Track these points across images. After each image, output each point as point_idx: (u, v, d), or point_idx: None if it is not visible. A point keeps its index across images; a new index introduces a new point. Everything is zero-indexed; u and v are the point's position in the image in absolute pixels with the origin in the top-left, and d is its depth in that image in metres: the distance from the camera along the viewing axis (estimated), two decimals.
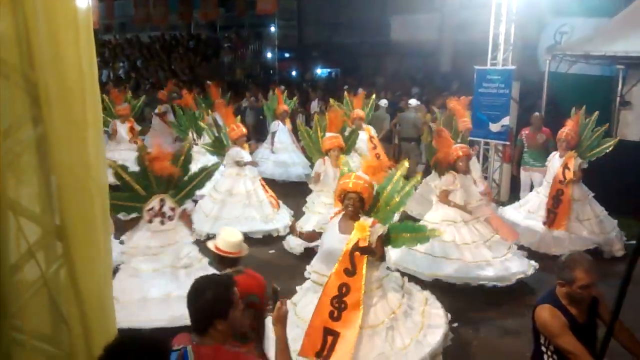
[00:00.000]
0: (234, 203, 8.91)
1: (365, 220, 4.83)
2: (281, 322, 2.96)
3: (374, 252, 4.75)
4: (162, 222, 6.00)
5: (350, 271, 4.65)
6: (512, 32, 10.70)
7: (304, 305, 5.13)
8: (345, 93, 12.15)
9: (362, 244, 4.65)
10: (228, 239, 3.90)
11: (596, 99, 11.01)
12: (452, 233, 6.91)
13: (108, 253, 3.01)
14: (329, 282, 4.70)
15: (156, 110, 14.59)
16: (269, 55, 26.52)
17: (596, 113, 8.29)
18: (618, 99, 11.49)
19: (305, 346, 4.60)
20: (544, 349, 3.60)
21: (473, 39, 13.07)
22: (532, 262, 7.03)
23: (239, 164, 8.99)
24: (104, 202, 2.92)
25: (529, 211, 8.51)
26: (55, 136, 2.68)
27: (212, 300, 2.71)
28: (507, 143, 10.52)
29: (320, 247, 5.20)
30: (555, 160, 8.30)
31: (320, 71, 25.52)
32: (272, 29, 25.98)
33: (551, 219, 7.93)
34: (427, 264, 6.84)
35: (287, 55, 26.55)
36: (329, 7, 24.45)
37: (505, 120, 10.15)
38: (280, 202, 9.44)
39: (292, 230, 5.43)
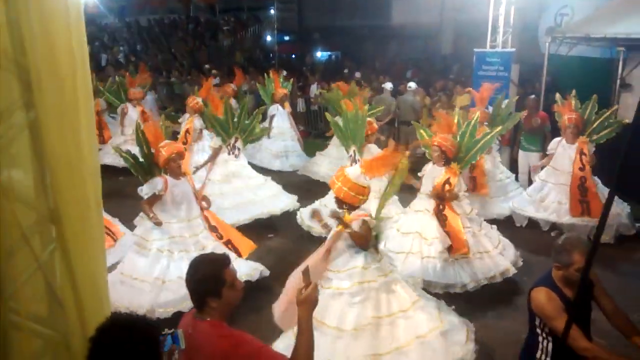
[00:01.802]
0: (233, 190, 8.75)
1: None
2: (305, 304, 2.82)
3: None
4: None
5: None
6: (511, 14, 10.68)
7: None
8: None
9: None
10: None
11: (596, 81, 10.96)
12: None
13: (101, 235, 3.04)
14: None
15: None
16: (269, 38, 26.39)
17: (595, 96, 8.24)
18: (618, 81, 11.42)
19: None
20: (539, 330, 3.64)
21: (474, 20, 13.00)
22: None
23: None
24: (97, 185, 2.95)
25: (541, 201, 8.37)
26: (47, 121, 2.69)
27: (202, 279, 2.79)
28: None
29: None
30: (562, 148, 8.17)
31: (320, 54, 25.40)
32: (272, 11, 25.83)
33: (584, 209, 7.74)
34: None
35: (286, 38, 26.43)
36: None
37: (505, 103, 10.12)
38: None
39: (314, 215, 5.31)
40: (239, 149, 8.74)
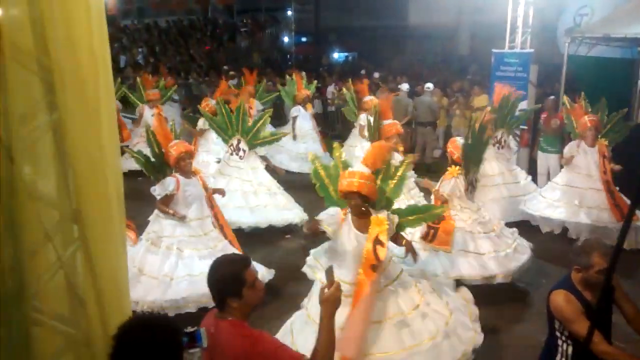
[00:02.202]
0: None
1: (380, 213, 4.68)
2: (328, 303, 2.80)
3: (398, 242, 4.89)
4: None
5: (377, 266, 4.48)
6: (530, 15, 10.61)
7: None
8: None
9: (382, 237, 4.49)
10: None
11: (616, 82, 10.86)
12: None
13: (123, 235, 3.05)
14: (364, 292, 4.44)
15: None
16: (286, 39, 26.44)
17: (603, 99, 8.14)
18: (639, 82, 11.28)
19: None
20: (558, 334, 3.61)
21: (491, 21, 12.93)
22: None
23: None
24: (119, 185, 2.97)
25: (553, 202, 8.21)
26: (70, 121, 2.72)
27: (222, 279, 2.81)
28: (525, 127, 10.43)
29: (333, 252, 4.90)
30: (583, 151, 8.01)
31: (337, 55, 25.40)
32: (289, 12, 25.87)
33: (621, 212, 7.54)
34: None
35: (303, 39, 26.45)
36: None
37: (523, 105, 10.04)
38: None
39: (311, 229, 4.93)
40: (244, 151, 8.59)
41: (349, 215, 4.74)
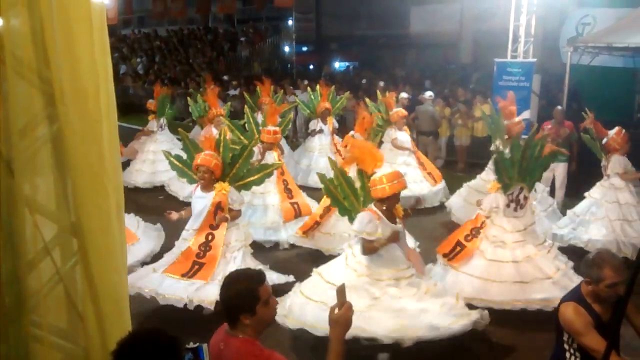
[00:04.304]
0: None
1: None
2: (338, 324, 2.68)
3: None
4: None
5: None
6: (532, 24, 10.61)
7: None
8: (378, 92, 11.35)
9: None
10: None
11: (619, 91, 10.86)
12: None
13: (123, 249, 3.01)
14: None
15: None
16: (287, 49, 26.45)
17: None
18: None
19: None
20: (566, 346, 3.57)
21: (494, 30, 12.96)
22: None
23: None
24: (119, 198, 2.93)
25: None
26: (70, 134, 2.69)
27: (236, 295, 2.72)
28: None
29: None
30: (616, 163, 7.75)
31: (338, 65, 25.41)
32: (290, 22, 25.90)
33: None
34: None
35: (304, 48, 26.46)
36: None
37: (526, 114, 10.03)
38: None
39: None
40: None
41: (379, 214, 5.16)
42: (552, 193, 9.28)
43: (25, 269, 2.73)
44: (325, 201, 7.16)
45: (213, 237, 6.14)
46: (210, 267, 6.00)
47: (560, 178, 9.31)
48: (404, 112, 10.04)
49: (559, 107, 9.58)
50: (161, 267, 6.06)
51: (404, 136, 10.04)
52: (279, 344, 4.96)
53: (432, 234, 8.36)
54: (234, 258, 6.10)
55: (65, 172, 2.74)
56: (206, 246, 6.11)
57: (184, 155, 6.57)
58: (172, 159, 6.58)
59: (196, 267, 6.03)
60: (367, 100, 11.09)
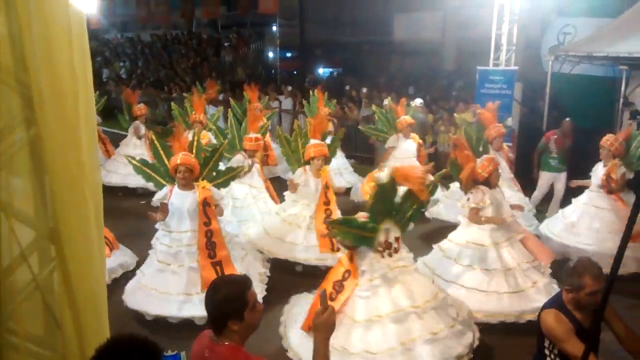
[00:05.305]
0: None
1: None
2: (321, 328, 2.70)
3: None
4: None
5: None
6: (514, 33, 10.70)
7: None
8: (389, 99, 11.09)
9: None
10: None
11: (599, 100, 10.97)
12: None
13: (101, 255, 2.98)
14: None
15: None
16: (271, 54, 26.44)
17: None
18: (621, 100, 11.40)
19: None
20: (547, 352, 3.60)
21: (476, 38, 13.02)
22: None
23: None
24: (98, 204, 2.90)
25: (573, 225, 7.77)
26: (48, 138, 2.65)
27: (224, 301, 2.67)
28: (510, 144, 10.45)
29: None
30: (599, 170, 7.78)
31: (322, 71, 25.44)
32: (274, 28, 25.89)
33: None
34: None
35: (288, 54, 26.45)
36: (331, 5, 24.29)
37: (508, 122, 10.08)
38: None
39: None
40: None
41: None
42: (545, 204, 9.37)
43: (1, 275, 2.69)
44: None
45: (212, 233, 6.20)
46: (227, 264, 6.22)
47: (562, 187, 9.22)
48: (411, 119, 9.84)
49: (568, 119, 9.49)
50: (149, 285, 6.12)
51: (410, 144, 9.91)
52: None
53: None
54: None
55: (43, 176, 2.70)
56: (211, 243, 6.19)
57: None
58: (135, 162, 6.43)
59: (217, 267, 6.17)
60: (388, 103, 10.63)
